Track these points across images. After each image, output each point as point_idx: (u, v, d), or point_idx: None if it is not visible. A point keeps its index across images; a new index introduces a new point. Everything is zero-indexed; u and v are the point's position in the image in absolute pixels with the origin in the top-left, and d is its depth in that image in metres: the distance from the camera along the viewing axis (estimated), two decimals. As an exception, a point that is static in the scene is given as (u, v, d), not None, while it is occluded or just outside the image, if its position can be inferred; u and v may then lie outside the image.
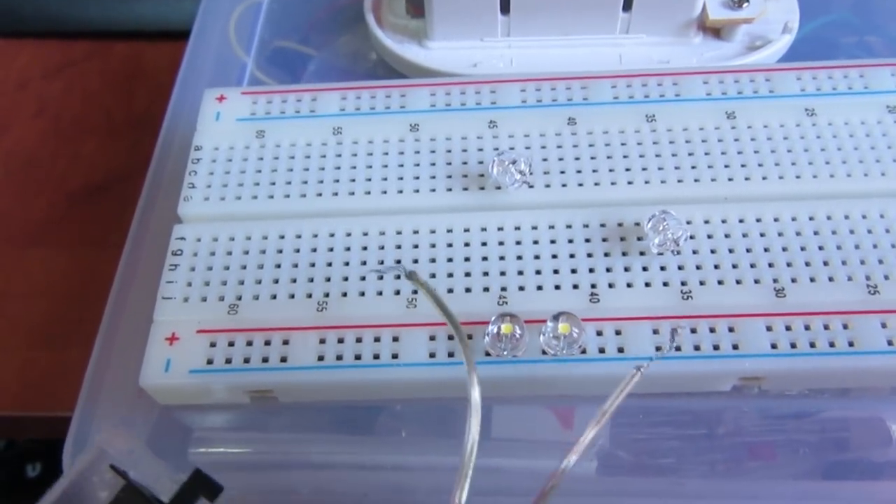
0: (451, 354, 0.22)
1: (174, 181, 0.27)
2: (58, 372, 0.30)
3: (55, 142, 0.38)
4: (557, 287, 0.23)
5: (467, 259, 0.24)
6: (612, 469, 0.24)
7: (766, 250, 0.23)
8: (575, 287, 0.23)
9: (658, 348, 0.22)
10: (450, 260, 0.24)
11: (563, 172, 0.25)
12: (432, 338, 0.22)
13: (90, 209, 0.36)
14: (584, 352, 0.22)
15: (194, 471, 0.19)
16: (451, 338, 0.22)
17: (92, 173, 0.37)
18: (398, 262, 0.24)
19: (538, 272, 0.23)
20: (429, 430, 0.25)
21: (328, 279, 0.23)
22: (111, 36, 0.42)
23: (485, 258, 0.24)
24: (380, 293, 0.23)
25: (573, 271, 0.23)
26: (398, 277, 0.23)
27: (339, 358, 0.22)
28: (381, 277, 0.23)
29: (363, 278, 0.23)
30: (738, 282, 0.23)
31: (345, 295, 0.23)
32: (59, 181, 0.37)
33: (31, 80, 0.41)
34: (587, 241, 0.24)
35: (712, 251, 0.23)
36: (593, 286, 0.23)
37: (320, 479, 0.24)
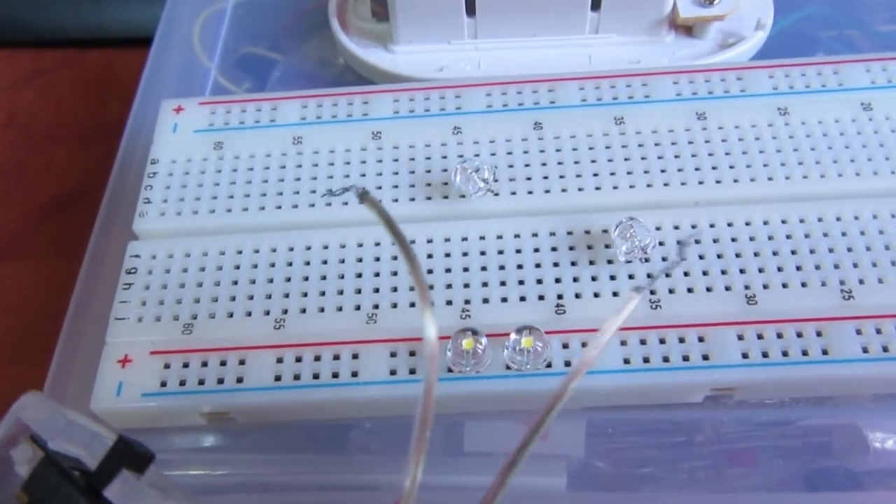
0: (412, 371, 0.21)
1: (136, 194, 0.27)
2: (29, 388, 0.30)
3: (26, 152, 0.38)
4: (523, 298, 0.22)
5: (430, 271, 0.23)
6: (590, 480, 0.23)
7: (737, 256, 0.23)
8: (541, 298, 0.22)
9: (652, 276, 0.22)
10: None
11: (529, 179, 0.25)
12: (393, 354, 0.22)
13: (62, 220, 0.35)
14: (549, 365, 0.21)
15: (117, 438, 0.16)
16: (412, 354, 0.22)
17: (63, 183, 0.37)
18: (359, 275, 0.23)
19: (503, 283, 0.23)
20: (400, 447, 0.24)
21: (286, 295, 0.23)
22: (82, 44, 0.41)
23: (448, 270, 0.23)
24: (339, 308, 0.22)
25: (539, 282, 0.23)
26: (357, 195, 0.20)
27: (297, 377, 0.22)
28: (332, 196, 0.22)
29: (322, 293, 0.23)
30: (708, 289, 0.22)
31: (303, 311, 0.22)
32: (30, 192, 0.36)
33: (2, 89, 0.40)
34: (553, 249, 0.23)
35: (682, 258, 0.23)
36: (559, 297, 0.22)
37: (289, 501, 0.23)
